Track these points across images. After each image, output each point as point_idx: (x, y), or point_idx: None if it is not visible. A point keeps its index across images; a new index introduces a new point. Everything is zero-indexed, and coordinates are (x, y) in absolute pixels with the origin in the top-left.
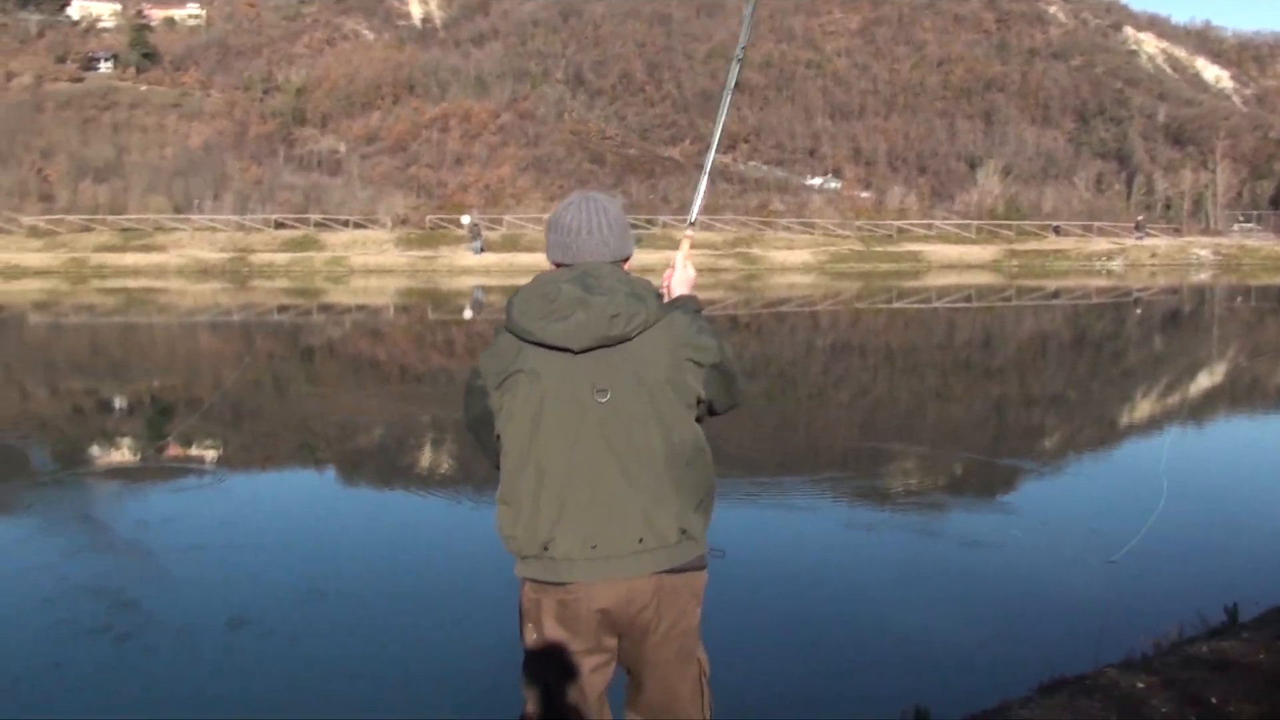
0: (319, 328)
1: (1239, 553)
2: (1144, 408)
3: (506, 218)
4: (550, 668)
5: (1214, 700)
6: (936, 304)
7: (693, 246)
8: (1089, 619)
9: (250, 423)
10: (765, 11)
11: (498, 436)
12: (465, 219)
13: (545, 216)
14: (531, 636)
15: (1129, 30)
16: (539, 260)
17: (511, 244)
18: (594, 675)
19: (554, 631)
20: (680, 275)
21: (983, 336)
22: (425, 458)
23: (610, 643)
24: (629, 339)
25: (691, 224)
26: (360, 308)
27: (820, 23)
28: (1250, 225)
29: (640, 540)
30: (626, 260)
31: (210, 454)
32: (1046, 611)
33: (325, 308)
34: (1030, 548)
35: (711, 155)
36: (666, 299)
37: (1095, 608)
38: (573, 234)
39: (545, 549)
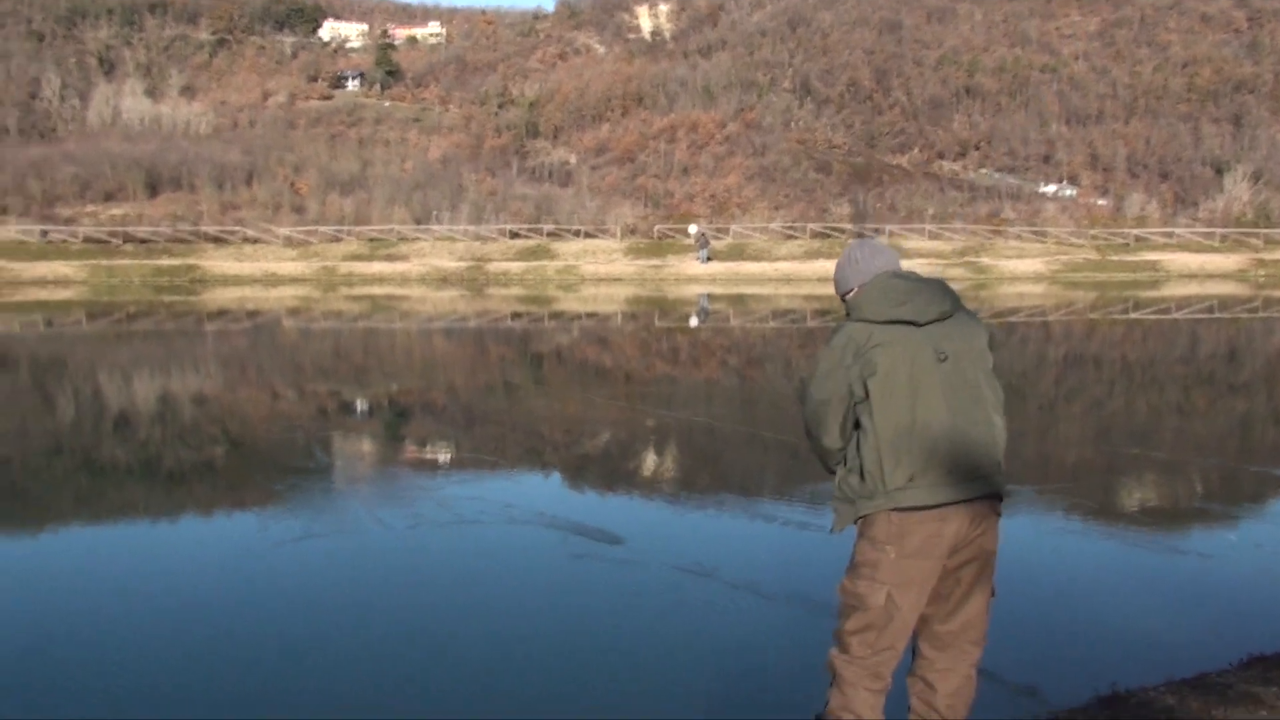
0: (549, 334)
1: None
2: None
3: (733, 227)
4: (906, 577)
5: None
6: (1176, 315)
7: (919, 255)
8: None
9: (480, 425)
10: (998, 15)
11: (860, 401)
12: (692, 228)
13: (771, 226)
14: (890, 553)
15: None
16: (764, 269)
17: (737, 253)
18: (923, 590)
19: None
20: None
21: (1226, 349)
22: (649, 459)
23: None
24: (952, 315)
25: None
26: (590, 315)
27: (1056, 26)
28: None
29: (977, 469)
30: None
31: (441, 454)
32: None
33: (556, 315)
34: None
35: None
36: None
37: None
38: (865, 261)
39: (911, 479)
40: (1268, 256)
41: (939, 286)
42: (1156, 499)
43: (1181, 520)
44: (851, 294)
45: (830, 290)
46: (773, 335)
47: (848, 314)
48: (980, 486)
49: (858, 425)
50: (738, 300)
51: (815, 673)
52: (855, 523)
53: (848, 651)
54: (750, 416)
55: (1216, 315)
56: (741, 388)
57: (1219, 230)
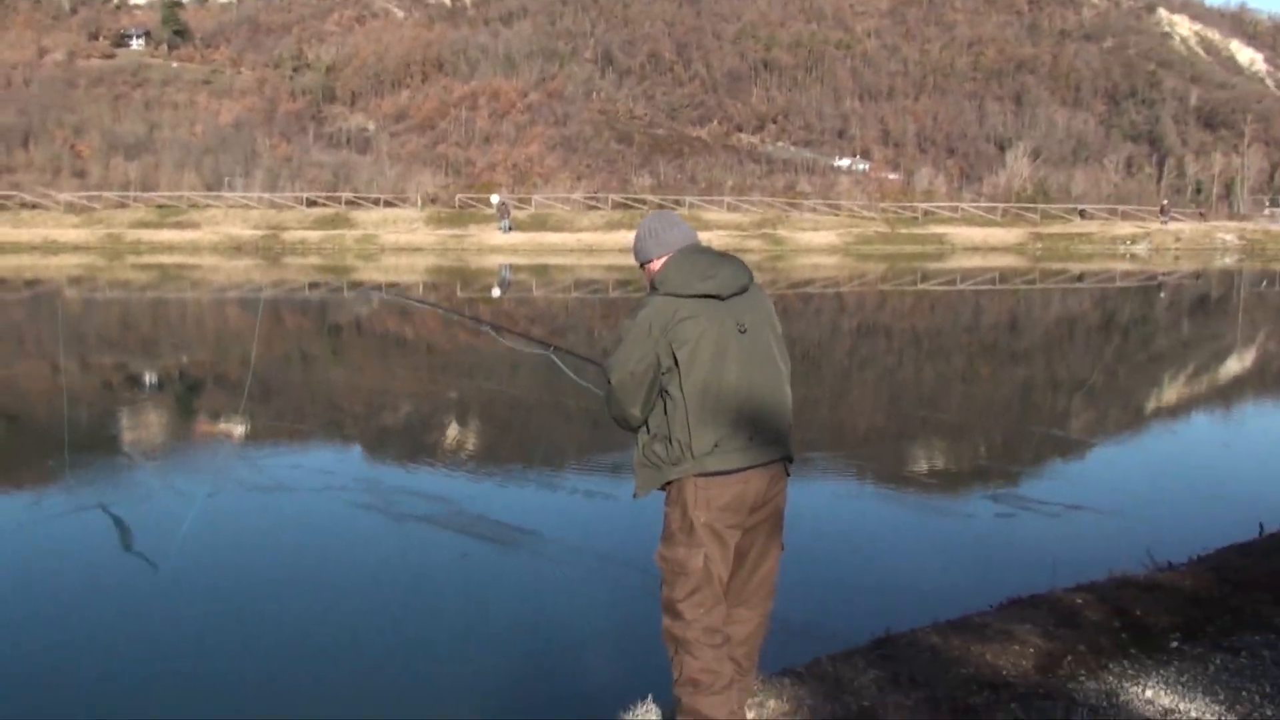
0: (347, 304)
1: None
2: (1159, 392)
3: (535, 197)
4: (717, 537)
5: (1137, 612)
6: (961, 286)
7: (719, 227)
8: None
9: (278, 399)
10: None
11: (668, 371)
12: (494, 198)
13: (573, 196)
14: (700, 517)
15: (1162, 12)
16: (566, 239)
17: (540, 223)
18: (730, 549)
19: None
20: None
21: (1007, 320)
22: (451, 433)
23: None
24: (749, 289)
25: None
26: (390, 285)
27: (851, 3)
28: (1278, 210)
29: (774, 435)
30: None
31: (236, 429)
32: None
33: (356, 285)
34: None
35: None
36: None
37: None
38: (665, 232)
39: (717, 445)
40: (1045, 230)
41: (736, 261)
42: (940, 461)
43: (961, 480)
44: (651, 265)
45: (632, 261)
46: (575, 305)
47: (652, 286)
48: (775, 450)
49: (663, 393)
50: (540, 270)
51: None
52: (661, 488)
53: (682, 618)
54: (551, 386)
55: (997, 287)
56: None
57: (1000, 205)
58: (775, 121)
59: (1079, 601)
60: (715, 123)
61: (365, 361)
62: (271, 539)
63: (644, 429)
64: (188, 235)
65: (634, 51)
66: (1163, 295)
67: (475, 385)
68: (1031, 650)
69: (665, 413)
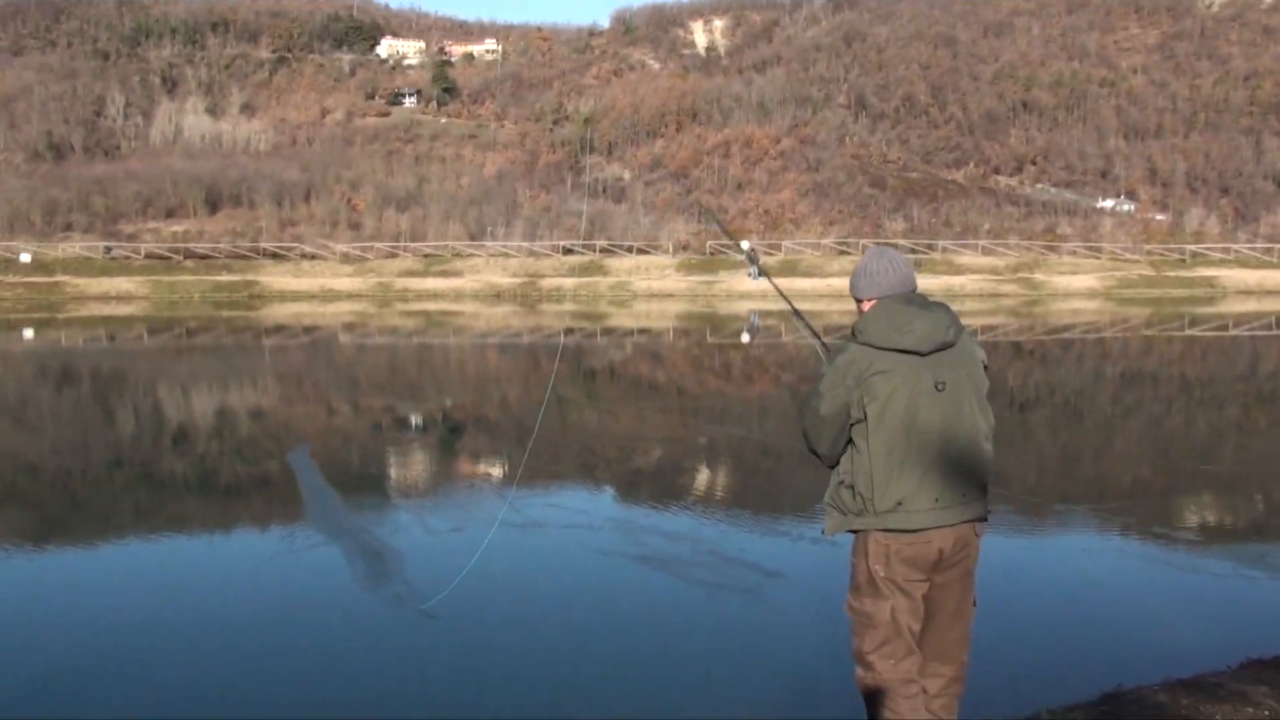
0: (602, 350)
1: None
2: None
3: (785, 243)
4: (901, 591)
5: None
6: (1234, 331)
7: (973, 271)
8: None
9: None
10: (1056, 29)
11: (857, 422)
12: (744, 244)
13: (824, 241)
14: (880, 572)
15: None
16: (816, 285)
17: (789, 269)
18: (919, 602)
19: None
20: None
21: None
22: (702, 476)
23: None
24: (955, 344)
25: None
26: (642, 330)
27: (1115, 39)
28: None
29: (964, 495)
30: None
31: (495, 468)
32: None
33: (608, 330)
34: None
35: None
36: None
37: None
38: (881, 275)
39: (899, 504)
40: None
41: (944, 313)
42: (1202, 516)
43: (1223, 537)
44: (862, 304)
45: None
46: (811, 353)
47: (853, 332)
48: (965, 512)
49: (851, 441)
50: (789, 317)
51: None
52: (850, 531)
53: (873, 669)
54: (792, 431)
55: (1273, 332)
56: (793, 404)
57: (1276, 245)
58: (1034, 163)
59: None
60: (971, 165)
61: (619, 406)
62: (530, 582)
63: (836, 470)
64: (451, 283)
65: (888, 95)
66: None
67: (724, 430)
68: (1266, 714)
69: (853, 461)
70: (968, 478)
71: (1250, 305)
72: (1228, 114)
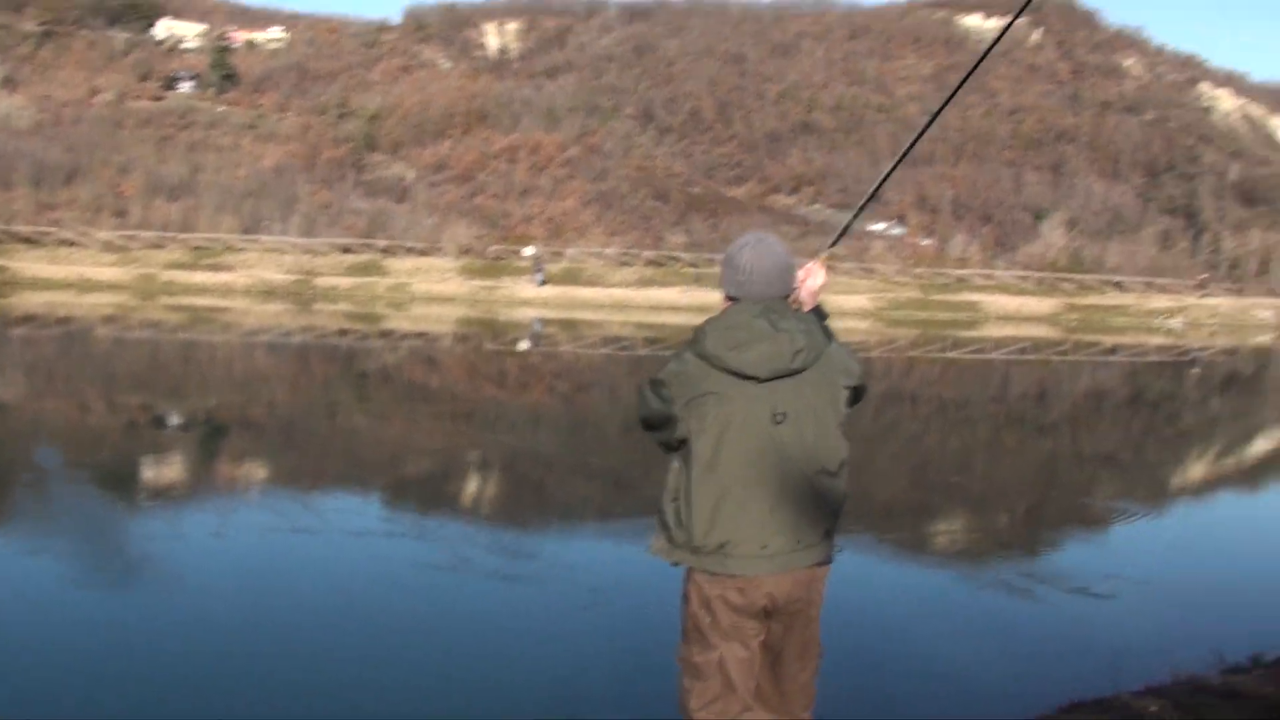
0: (375, 353)
1: (1258, 605)
2: (1194, 469)
3: (569, 251)
4: (733, 639)
5: None
6: (992, 355)
7: None
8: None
9: (298, 446)
10: (838, 54)
11: (681, 442)
12: (527, 250)
13: (607, 251)
14: (705, 619)
15: (1204, 86)
16: (598, 294)
17: (572, 277)
18: (755, 652)
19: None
20: (811, 281)
21: (1036, 390)
22: (471, 484)
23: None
24: (804, 370)
25: (833, 244)
26: (419, 334)
27: (893, 67)
28: None
29: (799, 541)
30: (789, 296)
31: (249, 474)
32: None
33: (384, 334)
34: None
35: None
36: (794, 302)
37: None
38: (746, 274)
39: (722, 547)
40: (1079, 301)
41: (798, 335)
42: (971, 538)
43: (996, 559)
44: (725, 300)
45: (663, 319)
46: (602, 362)
47: (694, 338)
48: (800, 559)
49: (681, 456)
50: (570, 325)
51: None
52: (672, 564)
53: None
54: (570, 443)
55: (1028, 356)
56: (569, 413)
57: (1035, 274)
58: (812, 184)
59: (1152, 710)
60: (752, 182)
61: (391, 411)
62: (280, 580)
63: (669, 473)
64: (221, 278)
65: (675, 109)
66: (1196, 370)
67: (495, 438)
68: None
69: (679, 481)
70: (805, 522)
71: (1009, 330)
72: (993, 146)
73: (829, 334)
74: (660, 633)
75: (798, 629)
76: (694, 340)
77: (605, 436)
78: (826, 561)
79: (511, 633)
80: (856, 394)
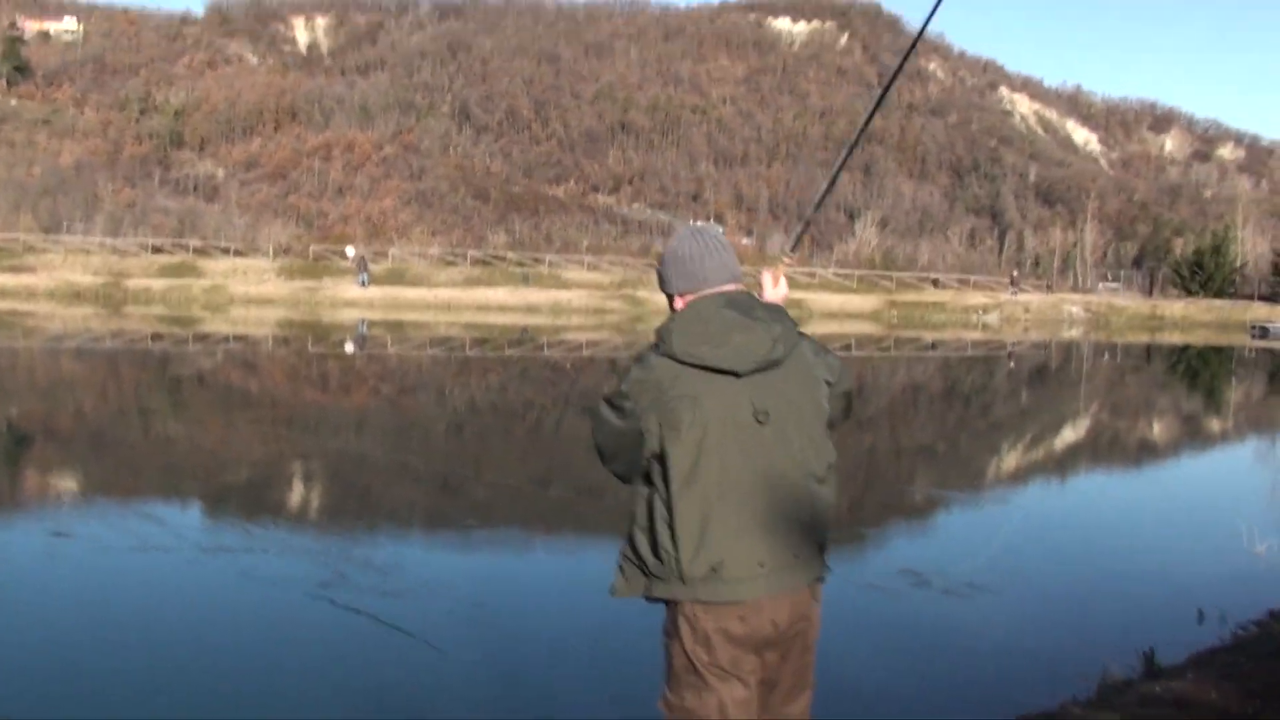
0: (191, 357)
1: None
2: (1006, 459)
3: (392, 251)
4: (731, 676)
5: None
6: None
7: (579, 286)
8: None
9: (108, 457)
10: (652, 55)
11: (653, 457)
12: (350, 250)
13: (431, 251)
14: (702, 657)
15: (1004, 90)
16: (424, 295)
17: (397, 278)
18: (754, 691)
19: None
20: (771, 292)
21: (857, 386)
22: (295, 490)
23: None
24: (783, 362)
25: (792, 249)
26: (239, 338)
27: (707, 69)
28: (1115, 285)
29: (795, 555)
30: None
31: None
32: (969, 650)
33: (202, 337)
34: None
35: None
36: None
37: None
38: (696, 262)
39: (714, 570)
40: (900, 298)
41: (774, 322)
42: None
43: (843, 556)
44: (674, 302)
45: (492, 319)
46: (430, 363)
47: (657, 339)
48: (799, 575)
49: (649, 478)
50: (396, 326)
51: None
52: (651, 600)
53: None
54: (401, 446)
55: (853, 353)
56: (395, 416)
57: (856, 271)
58: (631, 183)
59: None
60: (572, 182)
61: (208, 417)
62: (95, 594)
63: (632, 508)
64: (22, 280)
65: (492, 108)
66: (1012, 364)
67: (319, 442)
68: None
69: (651, 509)
70: (798, 532)
71: (833, 327)
72: (806, 147)
73: (812, 342)
74: (482, 629)
75: (794, 656)
76: (658, 342)
77: (432, 438)
78: (823, 577)
79: (334, 646)
80: (846, 401)
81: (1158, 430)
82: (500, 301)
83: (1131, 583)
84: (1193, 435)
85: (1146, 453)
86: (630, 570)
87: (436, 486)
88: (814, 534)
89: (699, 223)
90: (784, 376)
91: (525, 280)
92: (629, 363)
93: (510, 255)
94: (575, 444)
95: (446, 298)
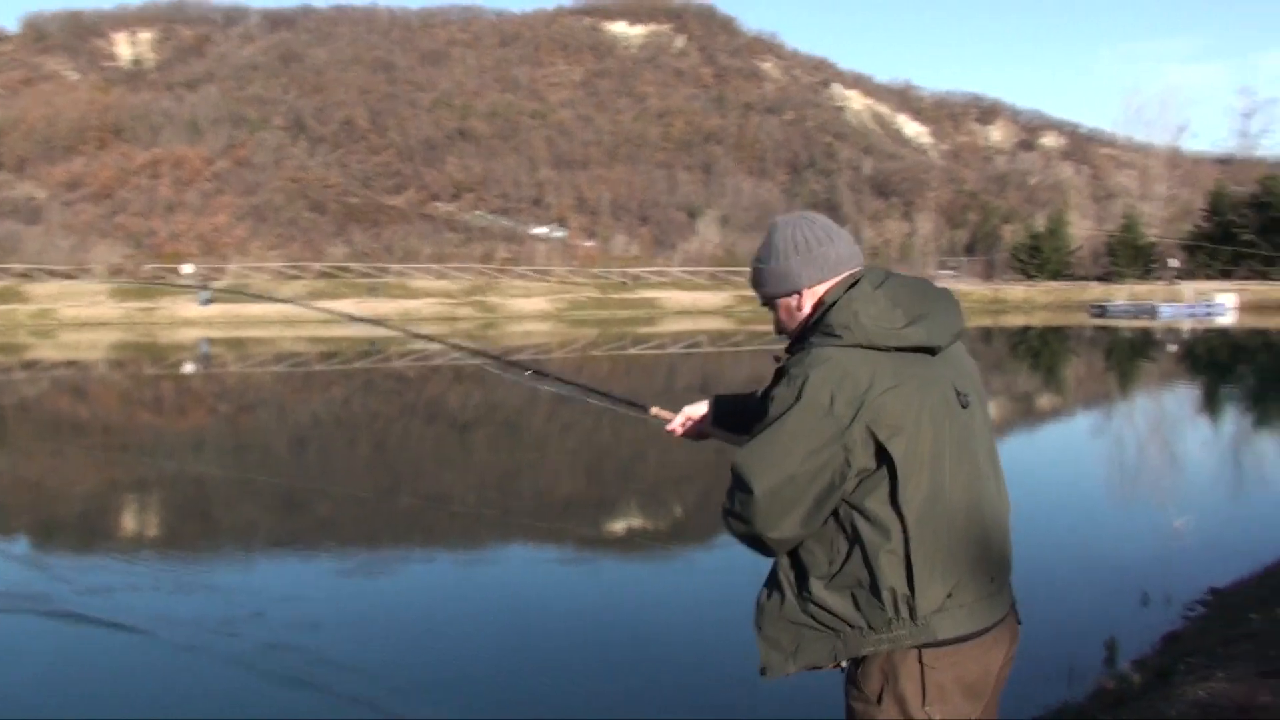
0: (14, 386)
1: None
2: None
3: (231, 267)
4: None
5: None
6: (670, 349)
7: (428, 295)
8: None
9: None
10: (489, 61)
11: (862, 477)
12: (186, 269)
13: (272, 266)
14: (936, 714)
15: (837, 87)
16: (267, 310)
17: (238, 294)
18: None
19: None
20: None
21: (700, 381)
22: (129, 518)
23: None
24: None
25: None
26: (70, 363)
27: (544, 73)
28: (953, 271)
29: (1008, 565)
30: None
31: None
32: None
33: (30, 364)
34: None
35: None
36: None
37: None
38: (826, 245)
39: (950, 596)
40: (751, 293)
41: (946, 290)
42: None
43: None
44: (797, 298)
45: (339, 333)
46: (273, 380)
47: (807, 328)
48: (1009, 593)
49: (855, 513)
50: (239, 344)
51: None
52: (836, 666)
53: None
54: (237, 463)
55: (703, 349)
56: (236, 435)
57: (706, 269)
58: (472, 190)
59: None
60: (411, 191)
61: (36, 447)
62: None
63: (795, 562)
64: None
65: (327, 119)
66: None
67: (156, 466)
68: None
69: (858, 545)
70: (1008, 540)
71: (687, 324)
72: (645, 148)
73: None
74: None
75: (992, 706)
76: (838, 328)
77: (275, 455)
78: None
79: (175, 686)
80: None
81: (1033, 411)
82: (348, 313)
83: (1066, 570)
84: (1063, 413)
85: (1026, 435)
86: (808, 636)
87: (280, 503)
88: (1010, 543)
89: (797, 213)
90: (961, 352)
91: (372, 291)
92: (788, 374)
93: (356, 266)
94: (423, 453)
95: (291, 312)
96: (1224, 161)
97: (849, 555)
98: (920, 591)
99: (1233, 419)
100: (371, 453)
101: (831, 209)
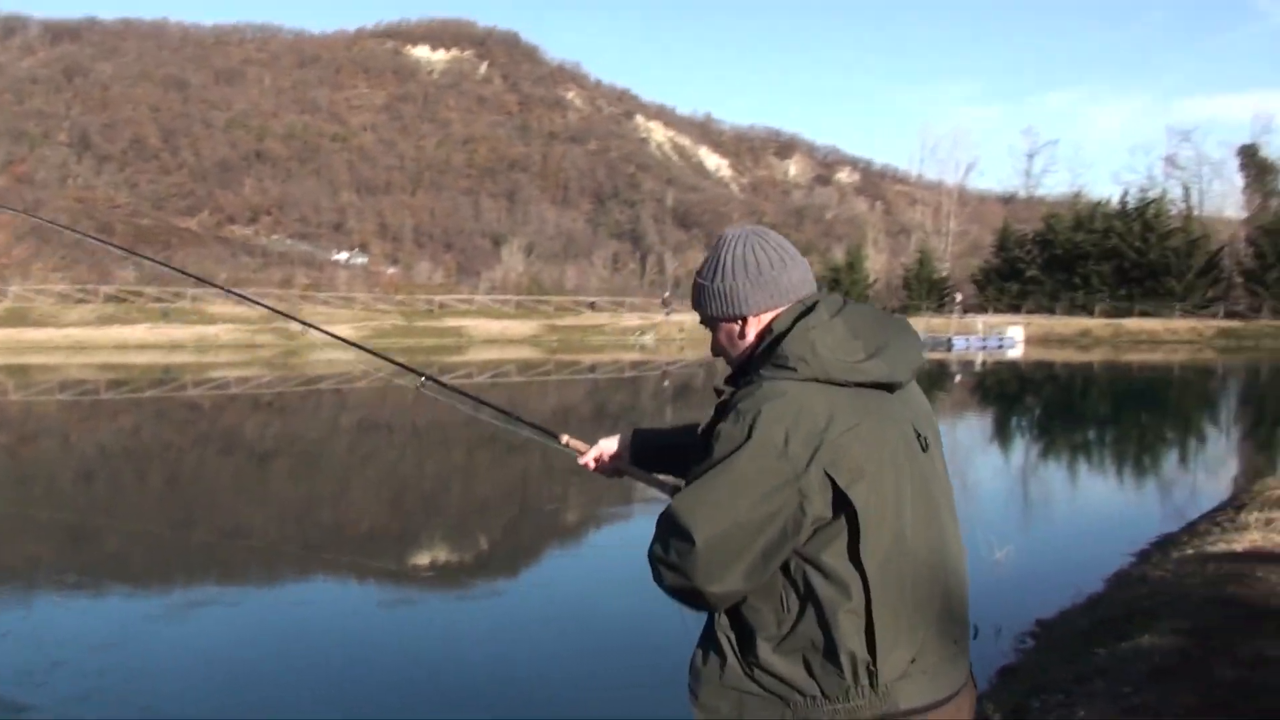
0: None
1: None
2: None
3: (11, 289)
4: None
5: None
6: (478, 379)
7: (226, 321)
8: None
9: None
10: (287, 82)
11: (817, 527)
12: None
13: (57, 288)
14: None
15: (640, 119)
16: (52, 335)
17: (19, 319)
18: None
19: None
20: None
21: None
22: None
23: None
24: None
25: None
26: None
27: (345, 96)
28: None
29: (968, 624)
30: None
31: None
32: None
33: None
34: None
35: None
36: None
37: None
38: (778, 269)
39: (913, 662)
40: (559, 323)
41: (901, 319)
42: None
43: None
44: (742, 324)
45: (130, 359)
46: (56, 409)
47: (753, 358)
48: (968, 653)
49: (808, 569)
50: (19, 371)
51: None
52: None
53: None
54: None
55: (513, 379)
56: (14, 465)
57: (514, 297)
58: (270, 214)
59: None
60: (206, 213)
61: None
62: None
63: (737, 621)
64: None
65: (115, 136)
66: (666, 383)
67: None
68: None
69: (812, 603)
70: (966, 592)
71: (494, 354)
72: (449, 174)
73: None
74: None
75: None
76: (793, 360)
77: (58, 488)
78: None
79: None
80: None
81: None
82: (140, 339)
83: None
84: None
85: None
86: (752, 704)
87: (63, 538)
88: (968, 604)
89: (746, 225)
90: (916, 390)
91: (165, 316)
92: (735, 410)
93: (149, 290)
94: (219, 485)
95: (78, 337)
96: (1008, 200)
97: (801, 615)
98: (883, 656)
99: (1032, 449)
100: (163, 485)
101: (635, 239)
